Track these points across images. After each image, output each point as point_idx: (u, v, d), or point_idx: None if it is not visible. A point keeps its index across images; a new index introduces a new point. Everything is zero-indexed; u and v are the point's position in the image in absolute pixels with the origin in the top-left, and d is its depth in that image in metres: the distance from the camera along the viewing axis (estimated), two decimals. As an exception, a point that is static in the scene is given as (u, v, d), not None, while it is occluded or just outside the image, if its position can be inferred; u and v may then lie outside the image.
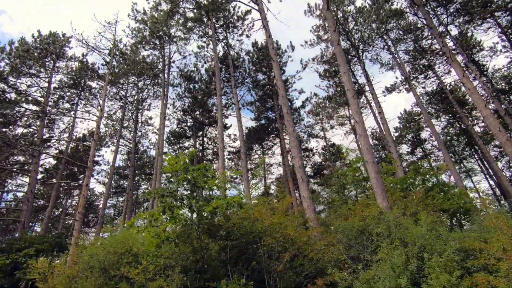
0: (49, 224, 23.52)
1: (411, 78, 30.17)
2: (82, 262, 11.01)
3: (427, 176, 13.92)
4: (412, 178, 13.56)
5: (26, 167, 23.85)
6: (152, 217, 6.82)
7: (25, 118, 20.44)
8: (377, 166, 9.22)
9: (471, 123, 26.71)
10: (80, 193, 37.94)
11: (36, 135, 17.68)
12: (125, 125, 29.99)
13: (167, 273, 8.82)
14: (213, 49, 17.79)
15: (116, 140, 32.56)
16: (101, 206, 45.10)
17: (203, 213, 6.82)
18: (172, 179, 7.31)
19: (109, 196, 43.44)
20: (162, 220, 8.55)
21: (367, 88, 26.40)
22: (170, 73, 23.74)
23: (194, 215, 7.65)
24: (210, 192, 7.93)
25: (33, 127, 21.88)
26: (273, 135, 37.45)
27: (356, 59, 25.35)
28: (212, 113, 34.04)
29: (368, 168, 9.20)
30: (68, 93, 23.78)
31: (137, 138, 28.19)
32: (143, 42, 20.60)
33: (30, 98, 18.69)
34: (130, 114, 28.61)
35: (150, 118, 34.08)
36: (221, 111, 15.43)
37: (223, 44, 25.00)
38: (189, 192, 7.12)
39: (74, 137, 24.43)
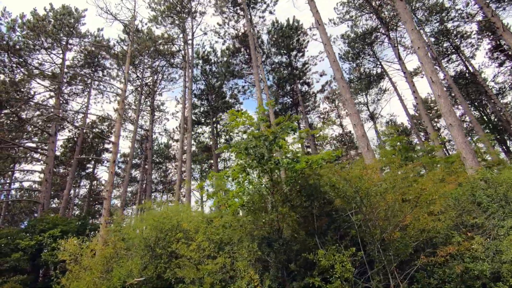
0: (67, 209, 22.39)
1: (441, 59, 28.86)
2: (119, 240, 9.95)
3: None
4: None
5: (38, 154, 22.74)
6: (227, 178, 5.69)
7: (39, 96, 19.20)
8: (463, 131, 8.09)
9: (502, 108, 25.54)
10: (90, 182, 36.78)
11: (52, 113, 16.50)
12: (136, 110, 28.72)
13: (227, 249, 7.74)
14: (244, 16, 16.43)
15: (127, 126, 31.37)
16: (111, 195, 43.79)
17: (290, 173, 5.69)
18: (244, 136, 6.17)
19: (117, 186, 42.41)
20: (221, 187, 7.44)
21: (391, 69, 25.22)
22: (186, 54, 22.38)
23: (265, 179, 6.53)
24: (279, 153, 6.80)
25: (44, 109, 20.67)
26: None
27: (385, 36, 24.04)
28: (226, 99, 32.71)
29: (452, 133, 8.07)
30: (82, 73, 22.51)
31: (152, 123, 26.98)
32: (163, 15, 19.25)
33: (46, 73, 17.42)
34: (143, 98, 27.34)
35: (163, 104, 32.79)
36: (258, 81, 14.19)
37: (244, 22, 23.63)
38: (266, 150, 5.97)
39: (87, 121, 23.22)
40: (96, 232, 13.60)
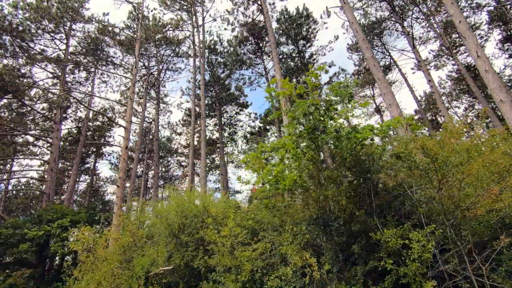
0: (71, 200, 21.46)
1: (447, 50, 28.31)
2: (136, 229, 9.25)
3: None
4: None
5: (42, 141, 21.91)
6: (278, 150, 5.02)
7: (41, 83, 18.31)
8: None
9: None
10: (91, 177, 35.83)
11: (64, 92, 15.60)
12: (141, 101, 27.88)
13: (262, 235, 7.08)
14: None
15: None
16: (107, 191, 42.60)
17: (350, 144, 5.03)
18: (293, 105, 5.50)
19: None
20: (260, 164, 6.76)
21: (400, 60, 24.60)
22: (198, 40, 21.42)
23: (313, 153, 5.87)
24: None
25: (50, 94, 19.79)
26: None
27: (398, 25, 23.45)
28: (231, 91, 32.02)
29: (503, 109, 7.47)
30: (85, 60, 21.62)
31: (158, 113, 26.17)
32: (172, -1, 18.47)
33: (50, 57, 16.54)
34: (149, 87, 26.48)
35: (166, 96, 31.92)
36: (278, 62, 13.46)
37: (253, 9, 22.88)
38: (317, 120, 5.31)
39: (90, 111, 22.38)
40: (104, 222, 12.92)
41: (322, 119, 5.37)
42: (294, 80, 30.58)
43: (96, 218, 13.25)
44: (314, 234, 5.56)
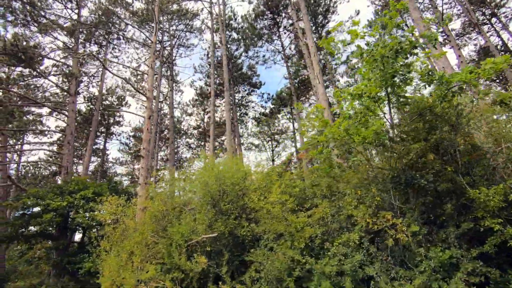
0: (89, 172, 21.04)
1: (473, 26, 27.01)
2: (163, 197, 8.75)
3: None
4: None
5: (58, 114, 21.23)
6: (354, 97, 4.35)
7: (52, 54, 17.55)
8: None
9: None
10: (102, 156, 35.48)
11: (70, 71, 14.96)
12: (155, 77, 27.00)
13: (310, 202, 6.52)
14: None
15: (140, 97, 29.67)
16: (116, 172, 42.18)
17: (440, 91, 4.35)
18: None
19: (126, 163, 41.14)
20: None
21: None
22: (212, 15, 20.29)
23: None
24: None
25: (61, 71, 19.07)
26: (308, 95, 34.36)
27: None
28: (243, 70, 31.17)
29: None
30: (96, 33, 20.74)
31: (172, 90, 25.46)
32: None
33: (64, 26, 15.71)
34: (162, 63, 25.62)
35: (177, 74, 31.00)
36: (310, 28, 12.56)
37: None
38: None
39: (104, 87, 21.69)
40: (131, 193, 12.52)
41: (405, 62, 4.67)
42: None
43: (119, 190, 12.83)
44: (386, 195, 4.96)
